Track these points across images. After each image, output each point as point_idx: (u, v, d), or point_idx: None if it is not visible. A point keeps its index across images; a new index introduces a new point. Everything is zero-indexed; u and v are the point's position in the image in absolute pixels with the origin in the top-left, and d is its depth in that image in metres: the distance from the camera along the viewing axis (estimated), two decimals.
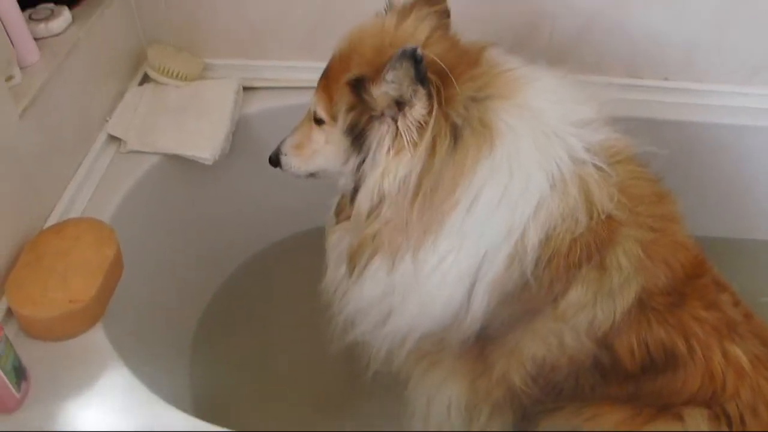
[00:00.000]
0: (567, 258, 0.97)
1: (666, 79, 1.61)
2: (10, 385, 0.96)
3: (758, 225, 1.78)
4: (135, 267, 1.22)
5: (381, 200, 0.97)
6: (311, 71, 1.58)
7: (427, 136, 0.91)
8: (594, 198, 0.96)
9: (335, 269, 1.15)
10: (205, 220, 1.61)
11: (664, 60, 1.58)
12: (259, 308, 1.71)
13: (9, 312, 1.10)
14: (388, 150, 0.95)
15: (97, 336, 1.10)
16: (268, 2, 1.54)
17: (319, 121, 1.09)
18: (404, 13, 1.04)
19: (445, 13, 1.07)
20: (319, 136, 1.10)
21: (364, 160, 0.99)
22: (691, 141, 1.58)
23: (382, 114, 0.96)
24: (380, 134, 0.96)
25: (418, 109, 0.91)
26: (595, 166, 0.96)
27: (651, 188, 1.05)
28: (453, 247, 0.97)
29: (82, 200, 1.31)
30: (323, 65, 1.57)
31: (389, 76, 0.90)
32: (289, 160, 1.16)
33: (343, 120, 1.00)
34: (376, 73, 0.93)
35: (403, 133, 0.93)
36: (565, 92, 1.01)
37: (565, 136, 0.96)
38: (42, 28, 1.30)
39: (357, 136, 0.99)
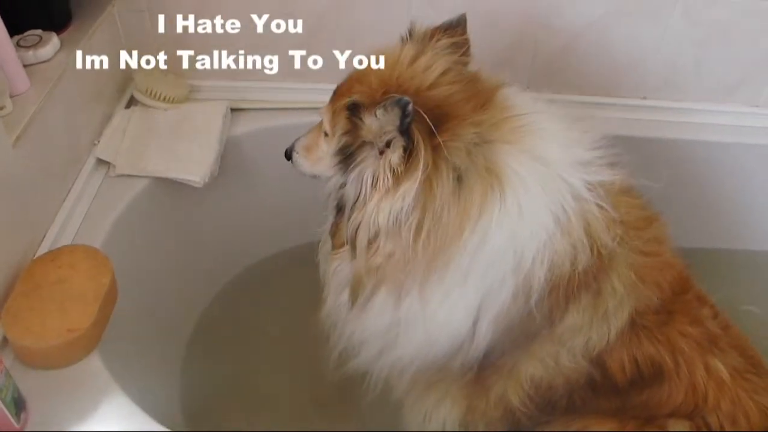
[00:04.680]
0: (567, 288, 1.00)
1: (644, 98, 1.66)
2: (11, 417, 0.96)
3: (736, 235, 1.84)
4: (127, 289, 1.22)
5: (377, 233, 0.98)
6: (297, 92, 1.64)
7: (415, 179, 0.92)
8: (595, 234, 0.99)
9: (336, 297, 1.15)
10: (195, 240, 1.63)
11: (643, 80, 1.63)
12: (247, 324, 1.72)
13: (3, 340, 1.10)
14: (374, 184, 0.96)
15: (94, 363, 1.11)
16: (254, 22, 1.55)
17: (326, 133, 1.11)
18: (424, 43, 1.06)
19: (465, 45, 1.09)
20: (324, 145, 1.12)
21: (346, 183, 1.01)
22: (670, 157, 1.63)
23: (373, 143, 0.97)
24: (368, 163, 0.97)
25: (395, 157, 0.93)
26: (595, 204, 0.99)
27: (642, 214, 1.09)
28: (459, 283, 0.99)
29: (73, 226, 1.31)
30: (309, 86, 1.63)
31: (379, 113, 0.92)
32: (298, 158, 1.19)
33: (337, 141, 1.02)
34: (372, 104, 0.95)
35: (381, 173, 0.95)
36: (569, 135, 1.04)
37: (569, 178, 0.99)
38: (31, 55, 1.30)
39: (346, 158, 1.01)
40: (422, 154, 0.92)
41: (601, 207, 1.00)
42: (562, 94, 1.61)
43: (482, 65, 1.11)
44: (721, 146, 1.64)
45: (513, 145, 0.98)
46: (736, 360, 1.15)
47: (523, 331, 1.05)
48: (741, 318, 1.27)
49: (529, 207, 0.96)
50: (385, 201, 0.95)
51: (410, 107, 0.88)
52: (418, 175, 0.92)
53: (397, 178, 0.93)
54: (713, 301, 1.23)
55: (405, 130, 0.90)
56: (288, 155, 1.20)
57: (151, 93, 1.56)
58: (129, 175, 1.42)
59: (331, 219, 1.14)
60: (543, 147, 1.00)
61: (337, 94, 1.09)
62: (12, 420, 0.97)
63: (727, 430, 1.10)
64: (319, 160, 1.14)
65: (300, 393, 1.60)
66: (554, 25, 1.54)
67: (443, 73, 1.02)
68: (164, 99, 1.56)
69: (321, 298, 1.20)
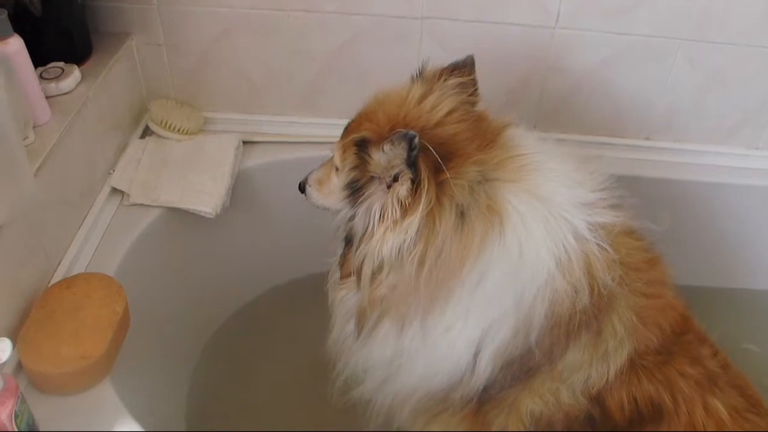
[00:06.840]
0: (568, 326, 1.02)
1: (648, 138, 1.69)
2: None
3: (737, 274, 1.86)
4: (139, 317, 1.25)
5: (382, 265, 1.01)
6: (308, 126, 1.68)
7: (419, 213, 0.95)
8: (595, 274, 1.01)
9: (342, 326, 1.18)
10: (206, 268, 1.65)
11: (646, 121, 1.66)
12: (255, 351, 1.75)
13: (18, 366, 1.12)
14: (382, 217, 0.99)
15: (106, 389, 1.13)
16: (268, 59, 1.60)
17: (336, 167, 1.13)
18: (432, 83, 1.09)
19: (473, 85, 1.12)
20: (335, 179, 1.14)
21: (354, 216, 1.04)
22: (672, 197, 1.65)
23: (381, 178, 1.00)
24: (376, 197, 1.01)
25: (403, 190, 0.96)
26: (597, 244, 1.01)
27: (644, 256, 1.11)
28: (460, 317, 1.02)
29: (87, 253, 1.34)
30: (321, 121, 1.67)
31: (386, 147, 0.96)
32: (311, 191, 1.22)
33: (346, 175, 1.05)
34: (380, 140, 0.98)
35: (389, 206, 0.98)
36: (574, 175, 1.06)
37: (571, 219, 1.01)
38: (53, 87, 1.34)
39: (354, 192, 1.04)
40: (426, 189, 0.95)
41: (602, 248, 1.02)
42: (568, 134, 1.65)
43: (490, 105, 1.14)
44: (722, 187, 1.67)
45: (516, 184, 1.01)
46: (735, 399, 1.16)
47: (523, 366, 1.07)
48: (741, 356, 1.29)
49: (529, 246, 0.98)
50: (389, 233, 0.98)
51: (416, 140, 0.91)
52: (422, 209, 0.95)
53: (404, 211, 0.96)
54: (713, 339, 1.25)
55: (412, 163, 0.93)
56: (301, 188, 1.23)
57: (165, 124, 1.59)
58: (142, 205, 1.45)
59: (340, 250, 1.17)
60: (546, 187, 1.02)
61: (347, 131, 1.12)
62: None
63: None
64: (330, 193, 1.17)
65: (305, 418, 1.61)
66: (561, 67, 1.58)
67: (449, 113, 1.06)
68: (178, 130, 1.60)
69: (328, 327, 1.23)
